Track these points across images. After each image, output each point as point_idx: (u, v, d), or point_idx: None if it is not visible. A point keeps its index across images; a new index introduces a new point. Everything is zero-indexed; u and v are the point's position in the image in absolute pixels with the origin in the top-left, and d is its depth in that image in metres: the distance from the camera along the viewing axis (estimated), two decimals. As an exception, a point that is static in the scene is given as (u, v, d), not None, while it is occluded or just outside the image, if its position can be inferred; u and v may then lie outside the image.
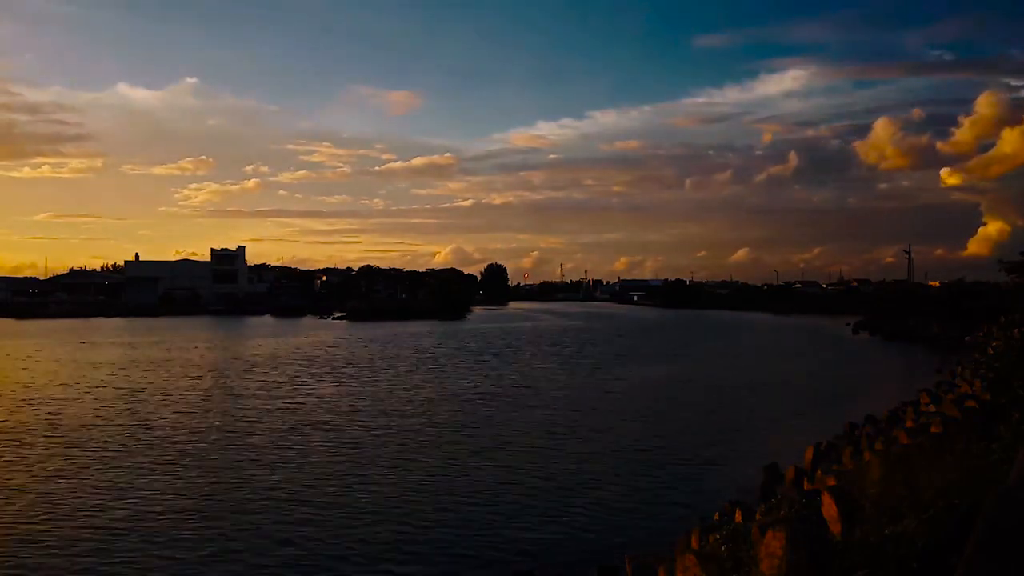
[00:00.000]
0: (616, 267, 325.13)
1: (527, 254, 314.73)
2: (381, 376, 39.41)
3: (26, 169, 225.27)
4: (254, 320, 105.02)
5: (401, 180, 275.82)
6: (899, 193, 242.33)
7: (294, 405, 29.58)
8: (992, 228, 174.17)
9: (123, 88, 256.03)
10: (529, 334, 74.95)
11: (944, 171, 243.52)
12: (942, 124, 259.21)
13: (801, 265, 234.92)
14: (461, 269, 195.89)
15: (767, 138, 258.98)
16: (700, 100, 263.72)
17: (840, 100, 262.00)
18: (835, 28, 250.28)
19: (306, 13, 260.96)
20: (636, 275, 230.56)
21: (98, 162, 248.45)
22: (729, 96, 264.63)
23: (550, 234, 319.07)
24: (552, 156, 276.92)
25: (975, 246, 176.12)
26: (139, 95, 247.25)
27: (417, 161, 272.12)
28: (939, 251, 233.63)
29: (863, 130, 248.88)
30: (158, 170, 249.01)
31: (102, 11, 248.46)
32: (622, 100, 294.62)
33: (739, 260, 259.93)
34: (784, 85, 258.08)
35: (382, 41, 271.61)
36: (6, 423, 25.25)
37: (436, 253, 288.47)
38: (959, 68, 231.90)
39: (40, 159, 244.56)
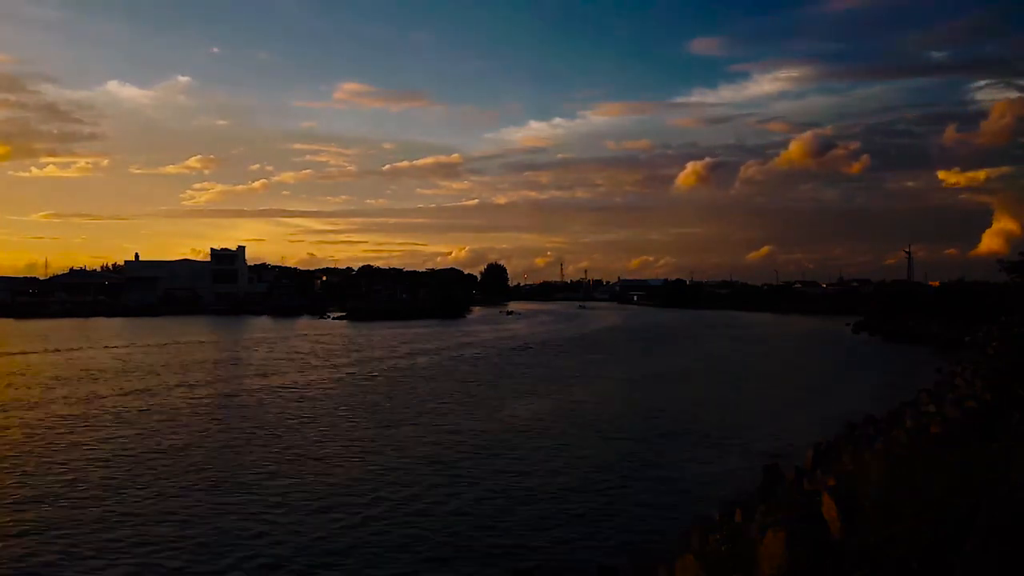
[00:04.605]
0: (628, 265, 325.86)
1: (541, 253, 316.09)
2: (368, 380, 39.44)
3: (33, 169, 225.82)
4: (250, 320, 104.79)
5: (406, 180, 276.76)
6: (905, 193, 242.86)
7: (293, 396, 29.60)
8: (1002, 227, 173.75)
9: (127, 88, 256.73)
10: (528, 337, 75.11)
11: (945, 171, 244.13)
12: (943, 124, 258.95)
13: (811, 265, 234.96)
14: (475, 268, 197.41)
15: (770, 138, 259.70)
16: (698, 100, 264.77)
17: (840, 100, 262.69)
18: (835, 29, 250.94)
19: (311, 13, 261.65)
20: (647, 275, 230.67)
21: (103, 161, 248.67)
22: (726, 96, 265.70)
23: (555, 234, 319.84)
24: (558, 156, 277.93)
25: (983, 247, 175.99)
26: (138, 94, 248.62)
27: (422, 161, 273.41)
28: (949, 251, 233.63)
29: (866, 130, 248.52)
30: (163, 170, 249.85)
31: (98, 12, 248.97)
32: (624, 100, 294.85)
33: (747, 260, 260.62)
34: (783, 86, 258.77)
35: (384, 41, 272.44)
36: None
37: (448, 252, 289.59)
38: (959, 69, 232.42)
39: (47, 159, 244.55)
